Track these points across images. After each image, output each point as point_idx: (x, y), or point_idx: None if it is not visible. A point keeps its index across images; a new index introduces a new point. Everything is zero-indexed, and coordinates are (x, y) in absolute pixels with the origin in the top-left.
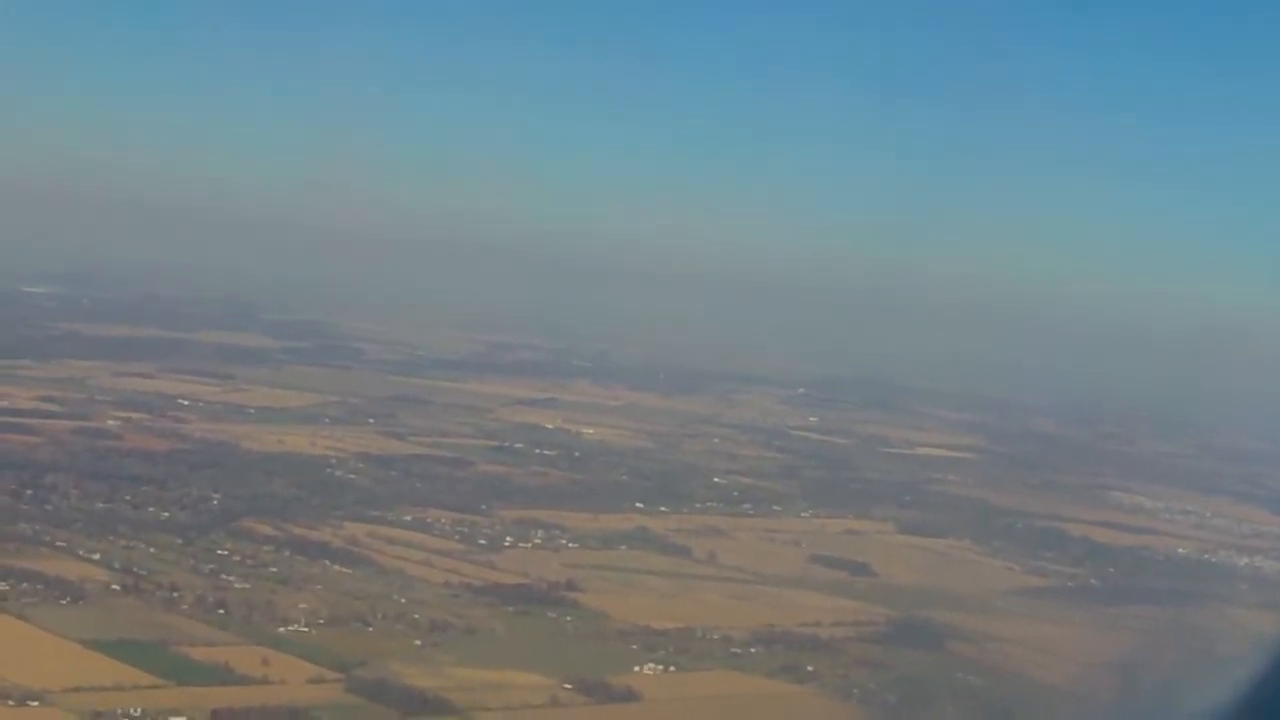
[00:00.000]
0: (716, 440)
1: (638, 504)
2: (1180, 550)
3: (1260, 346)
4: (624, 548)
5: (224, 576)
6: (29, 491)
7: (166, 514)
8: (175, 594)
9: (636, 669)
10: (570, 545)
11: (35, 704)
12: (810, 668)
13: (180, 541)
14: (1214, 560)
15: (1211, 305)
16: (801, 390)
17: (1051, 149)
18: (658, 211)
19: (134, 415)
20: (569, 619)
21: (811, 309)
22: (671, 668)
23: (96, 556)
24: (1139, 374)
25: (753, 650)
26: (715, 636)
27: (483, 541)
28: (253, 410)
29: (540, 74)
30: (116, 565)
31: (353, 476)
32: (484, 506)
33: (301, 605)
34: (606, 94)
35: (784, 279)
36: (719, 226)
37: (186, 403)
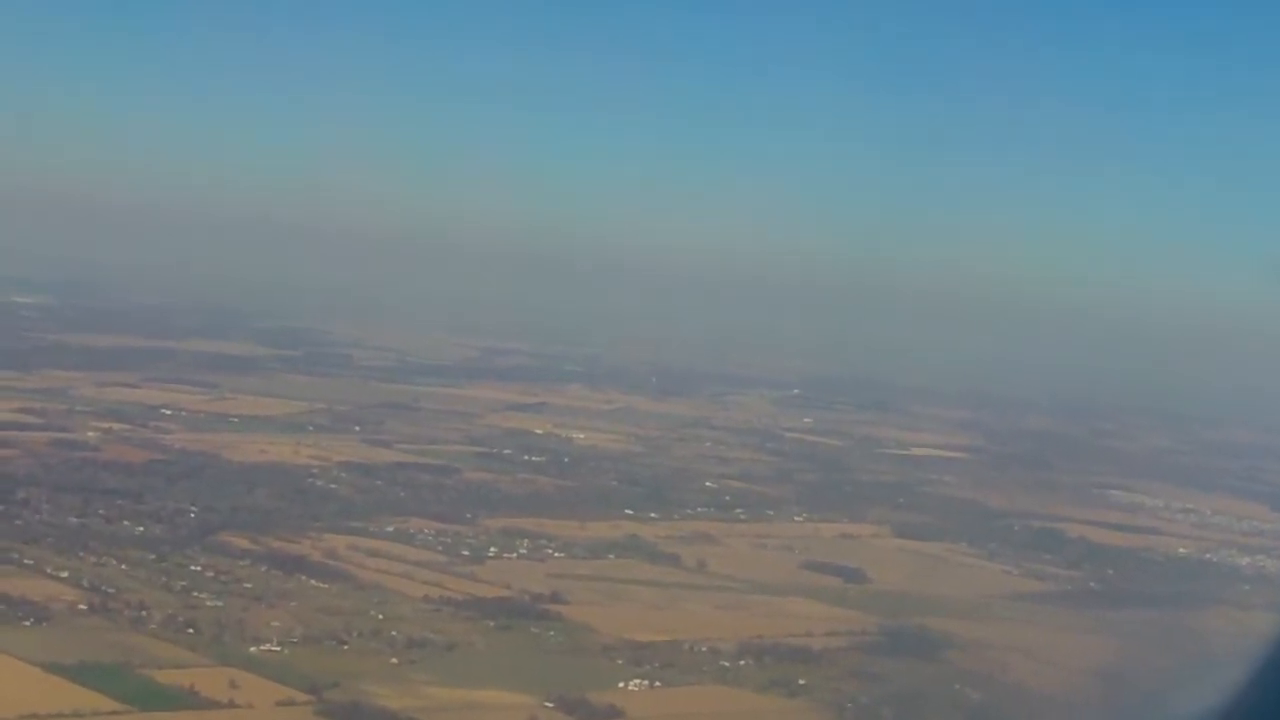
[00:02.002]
0: (709, 443)
1: (627, 511)
2: (1181, 550)
3: (1258, 342)
4: (612, 557)
5: (196, 594)
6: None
7: (141, 528)
8: (143, 613)
9: (621, 685)
10: (556, 555)
11: None
12: (802, 681)
13: (153, 557)
14: (1215, 560)
15: (1211, 301)
16: (795, 391)
17: (1049, 143)
18: (651, 213)
19: (114, 426)
20: (552, 633)
21: (807, 308)
22: (657, 683)
23: (65, 574)
24: (1137, 370)
25: (742, 663)
26: (703, 649)
27: (466, 552)
28: (236, 419)
29: (531, 75)
30: (85, 583)
31: (335, 486)
32: (469, 515)
33: (275, 623)
34: (596, 94)
35: (779, 278)
36: (712, 226)
37: (169, 412)
